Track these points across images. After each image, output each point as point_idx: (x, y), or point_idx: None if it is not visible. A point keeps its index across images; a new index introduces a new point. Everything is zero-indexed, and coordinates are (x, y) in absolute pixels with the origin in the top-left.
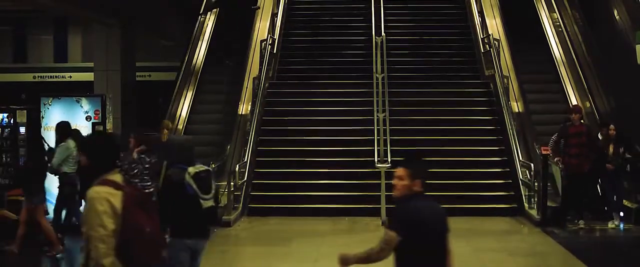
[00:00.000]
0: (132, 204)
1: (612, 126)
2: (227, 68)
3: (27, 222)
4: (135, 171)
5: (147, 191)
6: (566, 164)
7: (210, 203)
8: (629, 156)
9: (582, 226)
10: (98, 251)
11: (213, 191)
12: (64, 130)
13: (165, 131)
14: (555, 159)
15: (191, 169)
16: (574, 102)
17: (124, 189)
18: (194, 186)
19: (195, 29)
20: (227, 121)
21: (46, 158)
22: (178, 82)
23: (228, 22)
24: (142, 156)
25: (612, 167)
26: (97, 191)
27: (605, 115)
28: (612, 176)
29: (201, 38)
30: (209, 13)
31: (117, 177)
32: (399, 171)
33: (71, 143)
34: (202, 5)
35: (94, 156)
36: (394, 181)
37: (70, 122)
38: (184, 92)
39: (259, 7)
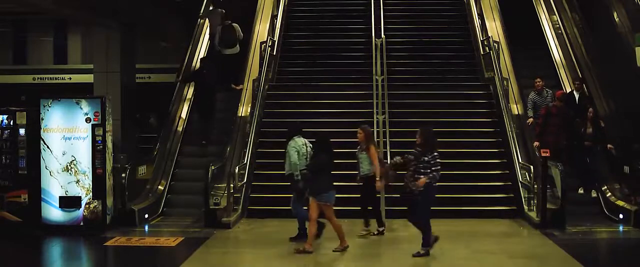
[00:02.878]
0: None
1: (591, 109)
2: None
3: (318, 219)
4: (432, 169)
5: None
6: (544, 143)
7: None
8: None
9: (581, 192)
10: None
11: None
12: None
13: None
14: (535, 144)
15: None
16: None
17: None
18: None
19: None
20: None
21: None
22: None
23: None
24: (435, 154)
25: (590, 144)
26: None
27: (604, 117)
28: (589, 152)
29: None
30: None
31: None
32: None
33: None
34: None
35: None
36: None
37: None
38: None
39: (242, 87)
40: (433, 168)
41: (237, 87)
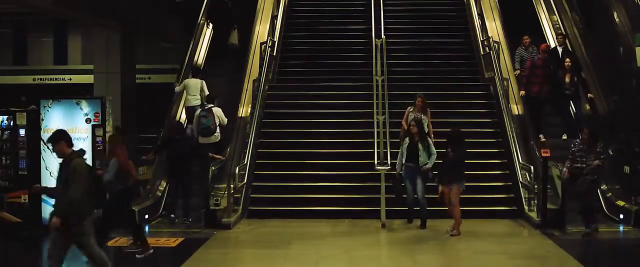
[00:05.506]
0: None
1: (568, 59)
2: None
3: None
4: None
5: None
6: (527, 91)
7: None
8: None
9: (565, 138)
10: None
11: None
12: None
13: None
14: (521, 93)
15: None
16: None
17: None
18: None
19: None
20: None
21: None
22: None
23: None
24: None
25: (570, 93)
26: None
27: (604, 117)
28: (568, 99)
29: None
30: None
31: None
32: None
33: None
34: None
35: None
36: None
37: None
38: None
39: (222, 158)
40: (602, 156)
41: (216, 157)
